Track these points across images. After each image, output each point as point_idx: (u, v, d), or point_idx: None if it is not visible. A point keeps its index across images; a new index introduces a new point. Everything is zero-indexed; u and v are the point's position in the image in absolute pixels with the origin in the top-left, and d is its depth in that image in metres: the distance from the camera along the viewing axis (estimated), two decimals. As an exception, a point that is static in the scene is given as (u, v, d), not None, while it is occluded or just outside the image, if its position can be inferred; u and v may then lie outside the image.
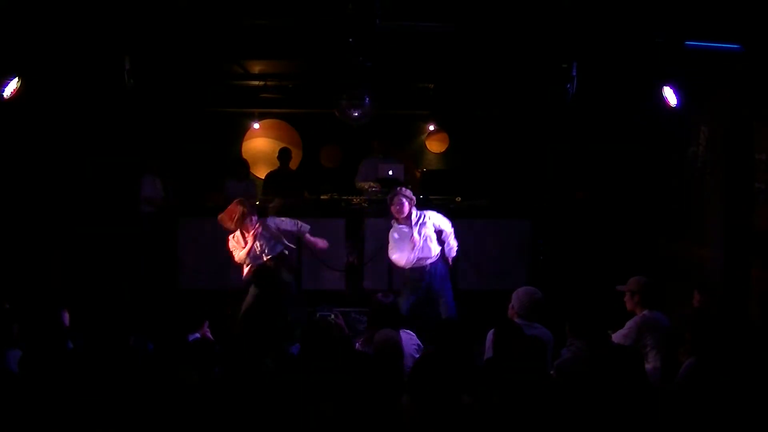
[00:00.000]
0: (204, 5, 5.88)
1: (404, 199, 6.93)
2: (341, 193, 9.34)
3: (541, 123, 9.91)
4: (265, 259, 6.93)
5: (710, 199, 6.75)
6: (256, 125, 10.95)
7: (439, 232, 7.05)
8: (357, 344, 5.24)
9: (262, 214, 7.45)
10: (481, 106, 9.69)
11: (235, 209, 6.78)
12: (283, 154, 10.08)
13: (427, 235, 6.95)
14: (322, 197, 9.15)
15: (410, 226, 6.95)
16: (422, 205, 7.51)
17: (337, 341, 4.86)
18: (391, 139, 10.10)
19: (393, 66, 7.89)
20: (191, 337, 5.17)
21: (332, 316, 5.04)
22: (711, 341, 4.55)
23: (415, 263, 6.96)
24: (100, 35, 6.15)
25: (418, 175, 10.13)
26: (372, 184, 9.26)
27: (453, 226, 7.21)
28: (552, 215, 9.17)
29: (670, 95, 6.68)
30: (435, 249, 7.00)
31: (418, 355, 4.95)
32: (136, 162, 9.06)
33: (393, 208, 6.95)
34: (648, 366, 5.09)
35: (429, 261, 6.99)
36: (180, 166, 9.63)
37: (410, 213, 6.97)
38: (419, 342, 5.37)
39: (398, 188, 7.09)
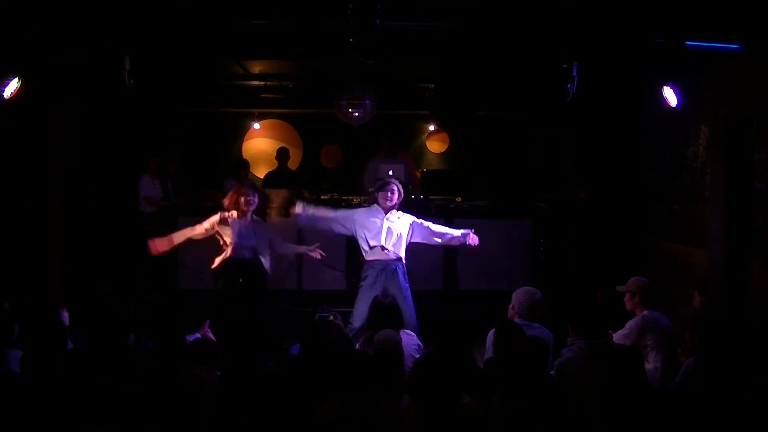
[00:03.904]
0: (204, 5, 5.88)
1: (395, 188, 6.59)
2: (341, 193, 9.36)
3: (541, 123, 9.91)
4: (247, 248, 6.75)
5: (710, 199, 6.75)
6: (256, 125, 10.96)
7: (429, 233, 6.67)
8: (357, 344, 5.25)
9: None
10: (481, 106, 9.69)
11: (237, 191, 6.78)
12: (281, 154, 10.10)
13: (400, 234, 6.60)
14: (322, 197, 9.16)
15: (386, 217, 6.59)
16: (423, 206, 7.52)
17: (336, 342, 4.86)
18: (392, 139, 10.12)
19: (393, 66, 7.89)
20: (191, 338, 5.17)
21: (331, 317, 5.04)
22: (711, 341, 4.56)
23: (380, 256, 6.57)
24: (100, 35, 6.14)
25: (418, 175, 10.14)
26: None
27: (453, 226, 7.11)
28: (552, 215, 9.18)
29: (670, 95, 6.67)
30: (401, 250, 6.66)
31: (418, 355, 4.95)
32: (136, 162, 9.06)
33: (385, 195, 6.54)
34: (648, 366, 5.09)
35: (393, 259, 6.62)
36: (180, 166, 9.64)
37: (395, 206, 6.60)
38: (419, 342, 5.37)
39: (392, 180, 6.77)
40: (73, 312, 5.62)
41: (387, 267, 6.49)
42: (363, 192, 9.58)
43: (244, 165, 9.95)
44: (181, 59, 7.26)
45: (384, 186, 6.61)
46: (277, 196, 8.94)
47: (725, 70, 6.36)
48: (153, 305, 8.31)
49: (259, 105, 10.17)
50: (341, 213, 6.68)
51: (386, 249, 6.49)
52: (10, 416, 3.83)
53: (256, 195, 6.85)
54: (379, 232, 6.49)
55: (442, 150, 11.31)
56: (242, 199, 6.66)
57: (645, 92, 8.19)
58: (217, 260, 6.76)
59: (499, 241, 8.69)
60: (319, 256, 6.93)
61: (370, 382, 3.94)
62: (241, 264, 6.73)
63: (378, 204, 6.59)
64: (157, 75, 6.86)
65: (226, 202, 6.74)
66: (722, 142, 6.45)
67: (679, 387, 4.57)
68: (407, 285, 6.56)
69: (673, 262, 7.77)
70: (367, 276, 6.50)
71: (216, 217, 6.68)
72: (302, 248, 7.18)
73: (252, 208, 6.74)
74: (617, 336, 5.39)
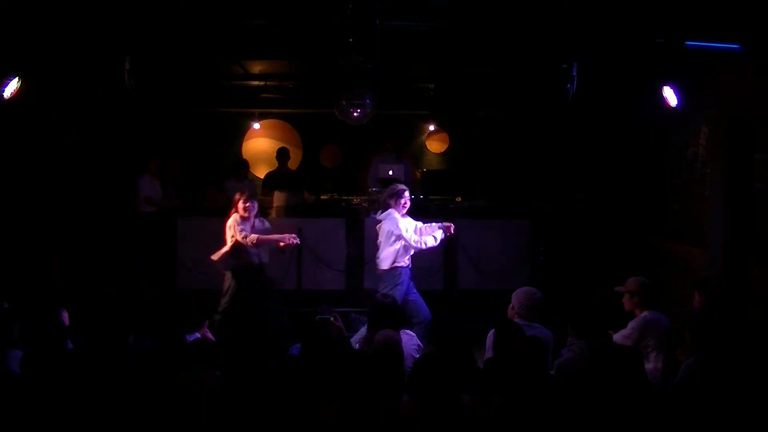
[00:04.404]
0: (204, 5, 5.88)
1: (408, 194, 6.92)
2: (341, 193, 9.36)
3: (541, 123, 9.91)
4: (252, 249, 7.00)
5: (710, 199, 6.75)
6: (256, 125, 10.96)
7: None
8: (357, 344, 5.25)
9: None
10: (481, 106, 9.69)
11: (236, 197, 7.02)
12: (281, 154, 10.10)
13: None
14: (322, 197, 9.15)
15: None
16: (423, 206, 7.53)
17: (337, 343, 4.86)
18: (396, 140, 10.13)
19: (393, 66, 7.89)
20: (191, 338, 5.16)
21: (332, 319, 5.04)
22: (711, 341, 4.55)
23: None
24: (101, 35, 6.14)
25: (418, 175, 10.14)
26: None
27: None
28: (552, 215, 9.18)
29: (670, 95, 6.67)
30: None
31: (418, 355, 4.95)
32: (136, 162, 9.06)
33: (404, 202, 6.82)
34: (648, 366, 5.09)
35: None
36: (180, 166, 9.64)
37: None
38: (419, 342, 5.37)
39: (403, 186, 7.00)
40: (73, 312, 5.62)
41: (409, 269, 6.82)
42: (363, 192, 9.57)
43: (243, 165, 9.96)
44: (181, 59, 7.26)
45: (401, 193, 6.79)
46: (279, 197, 8.95)
47: (725, 70, 6.36)
48: (153, 305, 8.31)
49: (259, 105, 10.16)
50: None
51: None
52: (10, 416, 3.83)
53: (254, 201, 7.10)
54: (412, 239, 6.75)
55: (442, 150, 11.31)
56: (241, 205, 6.94)
57: (645, 92, 8.19)
58: (218, 254, 6.94)
59: (499, 241, 8.69)
60: (293, 242, 7.18)
61: (370, 382, 3.94)
62: (252, 269, 6.99)
63: (394, 210, 6.75)
64: (157, 75, 6.85)
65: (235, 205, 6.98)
66: (722, 142, 6.45)
67: (679, 387, 4.57)
68: None
69: (673, 262, 7.77)
70: (402, 281, 6.70)
71: (233, 222, 6.95)
72: (277, 236, 7.25)
73: (252, 213, 7.00)
74: (618, 336, 5.38)
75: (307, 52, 7.16)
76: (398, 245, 6.68)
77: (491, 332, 5.05)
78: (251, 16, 6.01)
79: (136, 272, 8.73)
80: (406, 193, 6.82)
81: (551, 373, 4.67)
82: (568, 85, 6.61)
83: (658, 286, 5.98)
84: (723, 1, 5.42)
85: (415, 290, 6.83)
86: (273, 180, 9.85)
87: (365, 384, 3.91)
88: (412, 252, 6.76)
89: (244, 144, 11.16)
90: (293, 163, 10.64)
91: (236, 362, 4.52)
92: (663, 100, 6.79)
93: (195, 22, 6.16)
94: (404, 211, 6.80)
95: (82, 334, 5.36)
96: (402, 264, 6.74)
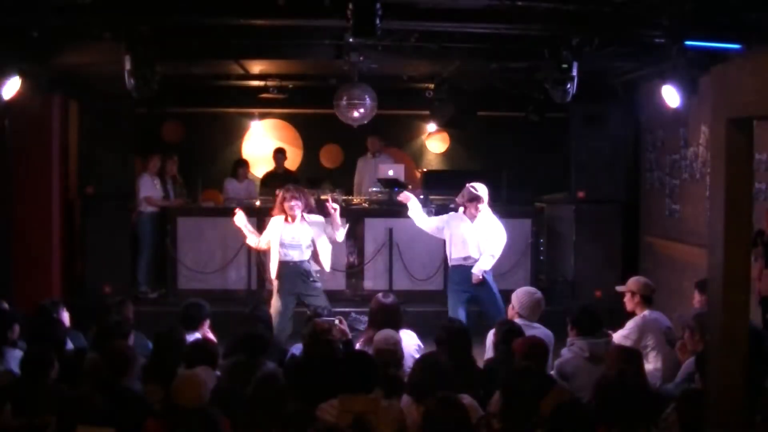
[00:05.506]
0: (204, 5, 5.88)
1: None
2: (341, 193, 9.35)
3: (541, 123, 9.91)
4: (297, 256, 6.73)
5: (710, 199, 6.75)
6: (257, 125, 10.95)
7: None
8: (357, 344, 5.25)
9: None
10: (481, 106, 9.69)
11: (278, 195, 6.77)
12: (278, 154, 10.09)
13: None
14: (322, 197, 9.14)
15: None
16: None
17: (339, 344, 4.86)
18: (387, 138, 10.12)
19: (393, 66, 7.89)
20: (191, 337, 5.16)
21: (336, 321, 5.03)
22: (710, 342, 4.55)
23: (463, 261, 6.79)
24: (101, 34, 6.14)
25: (418, 175, 10.13)
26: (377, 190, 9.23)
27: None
28: (552, 215, 9.17)
29: (670, 95, 6.66)
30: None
31: (418, 355, 4.95)
32: (136, 161, 9.05)
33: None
34: (648, 366, 5.09)
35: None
36: (180, 166, 9.62)
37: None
38: (419, 342, 5.37)
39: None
40: (73, 312, 5.62)
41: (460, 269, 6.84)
42: (361, 192, 9.57)
43: (243, 165, 9.95)
44: (181, 59, 7.26)
45: (481, 200, 6.72)
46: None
47: (725, 70, 6.35)
48: (153, 305, 8.31)
49: (259, 105, 10.16)
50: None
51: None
52: (11, 416, 3.83)
53: (300, 196, 6.70)
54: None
55: (442, 150, 11.31)
56: (285, 204, 6.63)
57: (645, 92, 8.19)
58: (272, 269, 6.74)
59: (499, 241, 8.67)
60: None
61: (370, 382, 3.94)
62: (291, 268, 6.71)
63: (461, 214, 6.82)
64: (157, 75, 6.85)
65: (274, 209, 6.74)
66: (722, 142, 6.44)
67: (679, 387, 4.57)
68: None
69: (673, 262, 7.77)
70: (451, 280, 6.92)
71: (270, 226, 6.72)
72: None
73: (296, 211, 6.65)
74: (617, 336, 5.38)
75: (307, 52, 7.16)
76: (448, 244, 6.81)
77: (491, 332, 5.06)
78: (251, 16, 6.01)
79: (136, 272, 8.72)
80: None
81: (551, 373, 4.67)
82: (568, 85, 6.60)
83: (658, 286, 5.98)
84: (723, 1, 5.42)
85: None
86: (272, 180, 9.84)
87: (365, 384, 3.91)
88: (460, 250, 6.72)
89: (244, 144, 11.16)
90: (293, 163, 10.63)
91: (236, 362, 4.53)
92: (663, 100, 6.78)
93: (195, 21, 6.16)
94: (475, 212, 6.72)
95: (82, 334, 5.36)
96: (451, 262, 6.83)
